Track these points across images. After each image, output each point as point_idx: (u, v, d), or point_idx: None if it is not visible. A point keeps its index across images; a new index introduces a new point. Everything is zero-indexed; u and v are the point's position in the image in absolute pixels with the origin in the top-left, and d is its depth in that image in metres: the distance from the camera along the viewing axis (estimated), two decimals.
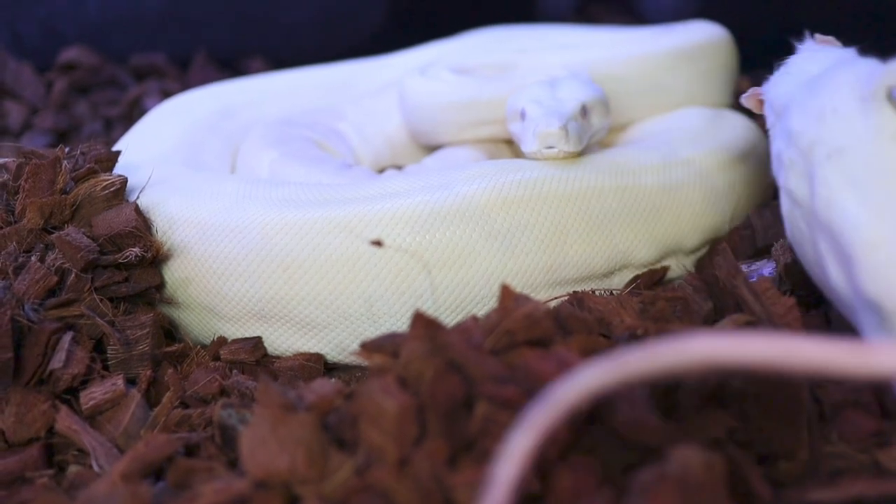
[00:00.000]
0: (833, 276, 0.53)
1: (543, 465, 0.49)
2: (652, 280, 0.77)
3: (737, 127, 0.89)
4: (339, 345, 0.74)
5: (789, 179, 0.58)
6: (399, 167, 1.01)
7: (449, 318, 0.72)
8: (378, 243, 0.70)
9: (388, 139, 1.02)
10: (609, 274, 0.76)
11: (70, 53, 1.37)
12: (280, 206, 0.74)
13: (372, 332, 0.71)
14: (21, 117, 1.25)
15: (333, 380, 0.69)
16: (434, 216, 0.71)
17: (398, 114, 1.01)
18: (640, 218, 0.76)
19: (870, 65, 0.57)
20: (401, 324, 0.71)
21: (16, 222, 0.73)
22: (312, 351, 0.74)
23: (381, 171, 1.00)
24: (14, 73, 1.30)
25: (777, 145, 0.61)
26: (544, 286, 0.73)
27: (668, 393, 0.54)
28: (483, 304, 0.72)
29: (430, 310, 0.71)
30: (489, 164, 0.77)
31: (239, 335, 0.75)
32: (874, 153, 0.51)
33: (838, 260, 0.52)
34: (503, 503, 0.41)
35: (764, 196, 0.87)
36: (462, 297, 0.72)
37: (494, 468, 0.41)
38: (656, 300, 0.65)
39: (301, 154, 0.92)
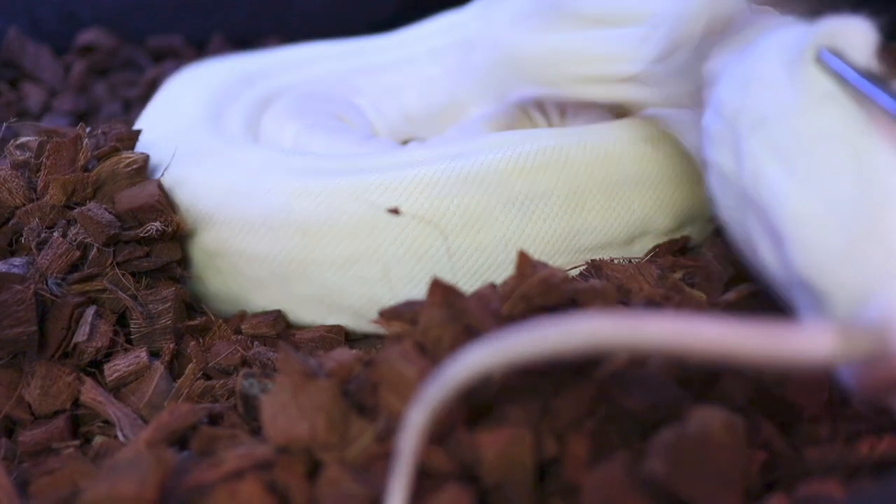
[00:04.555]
0: (764, 255, 0.49)
1: (558, 431, 0.49)
2: (673, 248, 0.77)
3: None
4: (357, 312, 0.74)
5: (717, 153, 0.55)
6: (422, 140, 1.01)
7: (466, 284, 0.72)
8: (395, 211, 0.70)
9: (404, 113, 1.02)
10: (629, 241, 0.76)
11: (87, 36, 1.38)
12: (300, 174, 0.75)
13: (389, 297, 0.72)
14: (41, 99, 1.26)
15: (354, 350, 0.69)
16: (451, 183, 0.71)
17: (414, 88, 1.01)
18: (658, 185, 0.76)
19: (799, 29, 0.53)
20: (418, 290, 0.72)
21: (38, 199, 0.74)
22: (332, 320, 0.75)
23: (405, 143, 1.00)
24: (33, 57, 1.31)
25: (706, 117, 0.58)
26: (563, 253, 0.73)
27: (679, 366, 0.54)
28: (501, 270, 0.72)
29: (448, 275, 0.71)
30: (508, 134, 0.77)
31: (263, 302, 0.76)
32: (800, 117, 0.48)
33: (769, 237, 0.49)
34: (408, 470, 0.45)
35: None
36: (479, 263, 0.72)
37: (398, 442, 0.45)
38: (675, 267, 0.65)
39: (324, 125, 0.93)
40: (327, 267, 0.73)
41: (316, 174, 0.75)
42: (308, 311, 0.76)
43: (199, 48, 1.45)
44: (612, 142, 0.75)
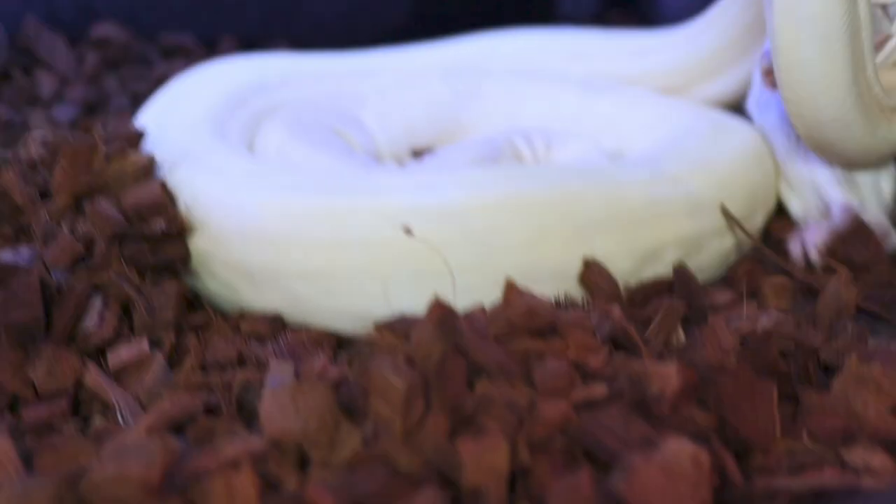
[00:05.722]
0: None
1: (532, 443, 0.53)
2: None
3: (735, 139, 0.92)
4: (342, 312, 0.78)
5: None
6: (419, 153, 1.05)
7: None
8: (408, 231, 0.73)
9: (408, 129, 1.06)
10: None
11: (102, 29, 1.41)
12: (277, 190, 0.80)
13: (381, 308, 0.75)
14: (52, 88, 1.29)
15: (345, 356, 0.73)
16: (414, 214, 0.75)
17: (421, 105, 1.05)
18: (624, 228, 0.79)
19: None
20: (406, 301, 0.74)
21: (48, 197, 0.78)
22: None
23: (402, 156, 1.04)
24: (48, 46, 1.35)
25: None
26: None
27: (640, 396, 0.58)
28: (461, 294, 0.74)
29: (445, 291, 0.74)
30: (478, 172, 0.81)
31: (255, 302, 0.80)
32: None
33: None
34: None
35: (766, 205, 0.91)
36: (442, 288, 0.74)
37: None
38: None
39: (309, 137, 0.95)
40: (295, 278, 0.77)
41: (289, 190, 0.79)
42: (293, 309, 0.80)
43: (210, 48, 1.48)
44: (581, 184, 0.79)
